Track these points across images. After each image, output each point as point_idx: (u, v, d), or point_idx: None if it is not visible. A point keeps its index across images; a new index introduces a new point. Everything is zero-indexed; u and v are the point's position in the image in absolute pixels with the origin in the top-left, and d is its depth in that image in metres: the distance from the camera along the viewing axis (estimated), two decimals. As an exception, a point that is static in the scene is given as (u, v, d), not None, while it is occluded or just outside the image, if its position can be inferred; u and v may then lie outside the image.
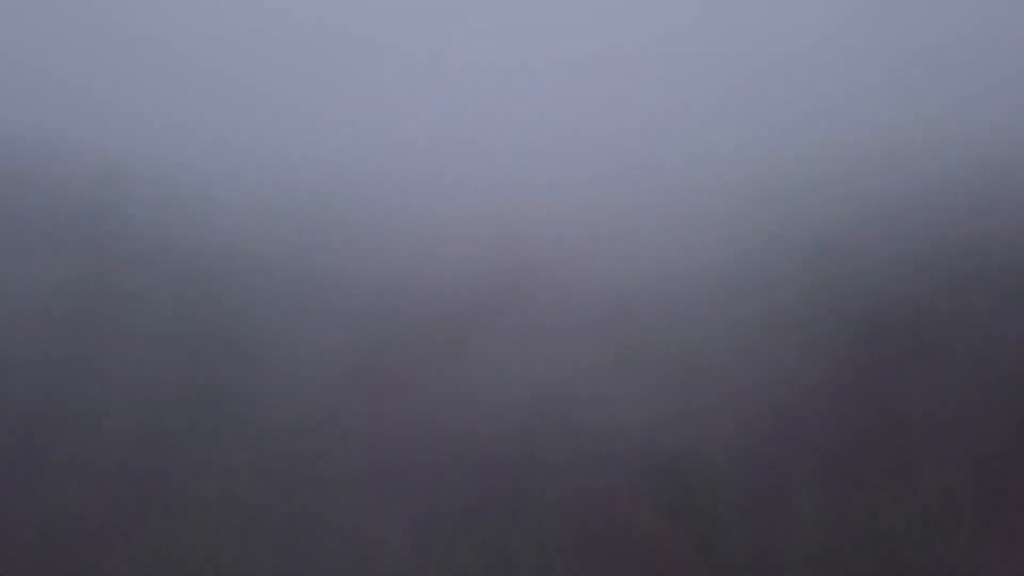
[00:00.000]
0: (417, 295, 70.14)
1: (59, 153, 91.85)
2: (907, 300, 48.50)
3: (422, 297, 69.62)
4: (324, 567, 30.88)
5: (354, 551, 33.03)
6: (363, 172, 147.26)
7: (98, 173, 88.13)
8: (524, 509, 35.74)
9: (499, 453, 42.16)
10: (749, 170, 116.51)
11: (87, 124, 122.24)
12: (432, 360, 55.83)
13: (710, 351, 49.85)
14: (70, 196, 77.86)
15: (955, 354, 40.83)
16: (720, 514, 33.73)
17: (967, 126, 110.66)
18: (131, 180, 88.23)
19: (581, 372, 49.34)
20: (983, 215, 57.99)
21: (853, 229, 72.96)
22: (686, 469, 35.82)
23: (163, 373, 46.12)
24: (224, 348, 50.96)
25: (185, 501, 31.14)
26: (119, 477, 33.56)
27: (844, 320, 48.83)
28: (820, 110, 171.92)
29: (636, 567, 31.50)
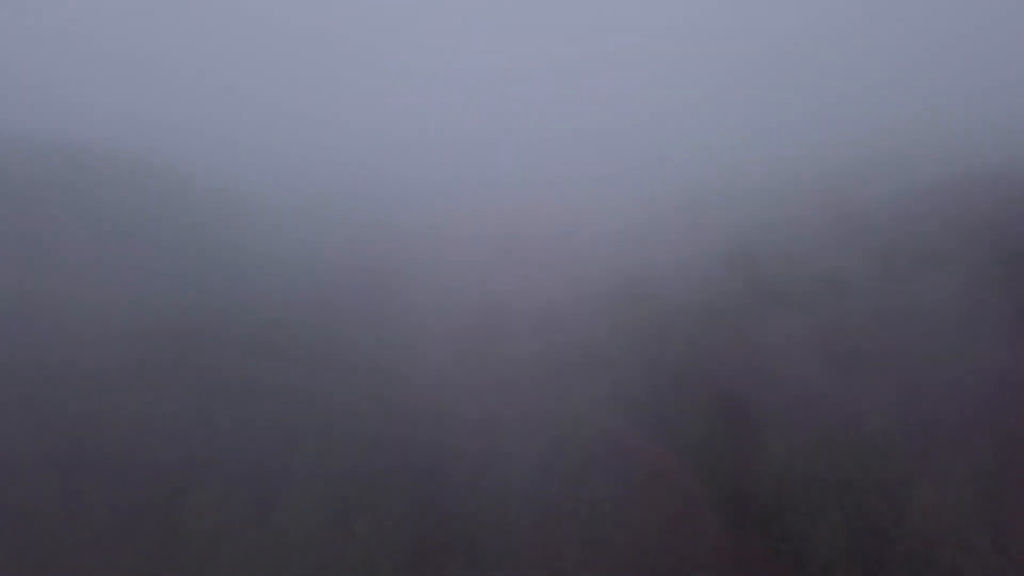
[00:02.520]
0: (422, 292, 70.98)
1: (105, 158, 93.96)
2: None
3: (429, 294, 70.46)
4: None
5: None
6: (368, 172, 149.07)
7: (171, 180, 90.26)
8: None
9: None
10: (747, 169, 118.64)
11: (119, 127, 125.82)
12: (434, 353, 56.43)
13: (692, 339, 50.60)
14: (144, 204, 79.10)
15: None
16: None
17: (967, 127, 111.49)
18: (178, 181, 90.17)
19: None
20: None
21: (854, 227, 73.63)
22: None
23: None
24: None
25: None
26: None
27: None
28: (818, 110, 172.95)
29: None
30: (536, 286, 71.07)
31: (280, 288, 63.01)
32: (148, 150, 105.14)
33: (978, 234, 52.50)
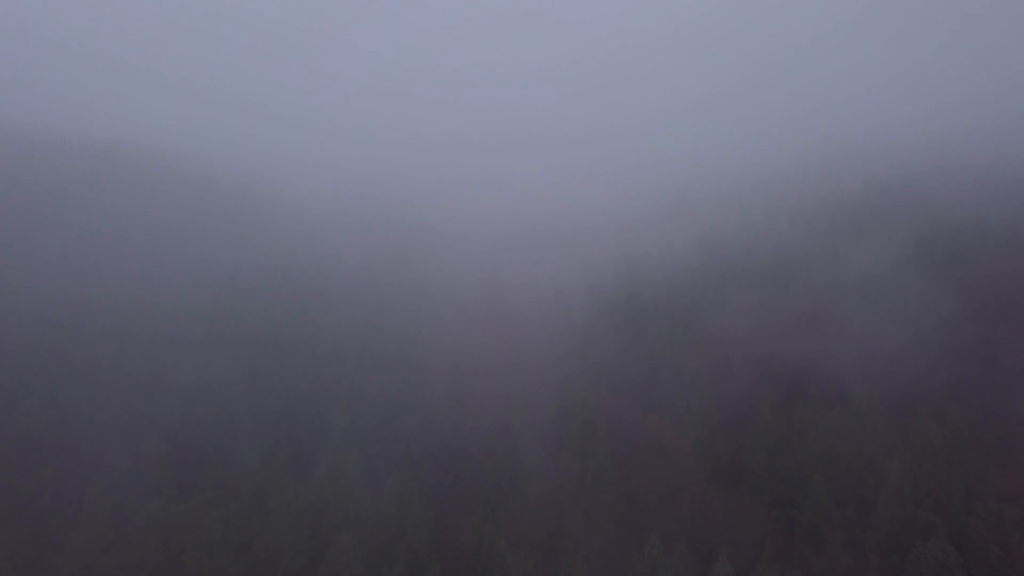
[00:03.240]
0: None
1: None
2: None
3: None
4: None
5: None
6: (374, 172, 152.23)
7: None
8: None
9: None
10: (724, 168, 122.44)
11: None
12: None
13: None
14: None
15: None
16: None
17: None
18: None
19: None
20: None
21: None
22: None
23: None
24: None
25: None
26: None
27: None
28: (791, 119, 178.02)
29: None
30: (538, 269, 75.00)
31: (309, 271, 66.68)
32: (175, 150, 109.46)
33: (908, 221, 58.40)
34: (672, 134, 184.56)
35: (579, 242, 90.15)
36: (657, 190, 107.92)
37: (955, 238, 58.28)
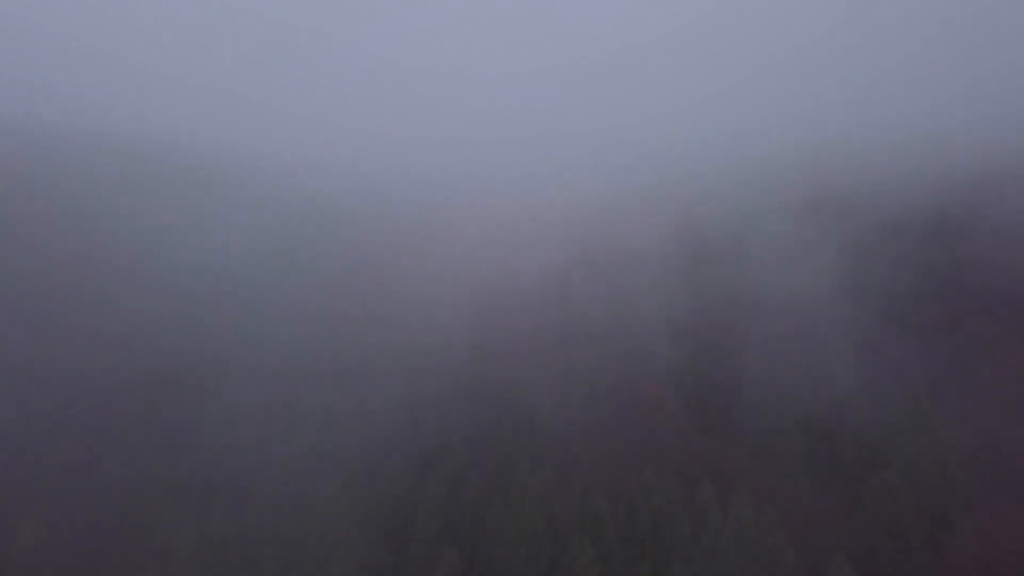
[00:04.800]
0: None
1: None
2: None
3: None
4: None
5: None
6: (378, 173, 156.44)
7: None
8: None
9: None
10: (702, 165, 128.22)
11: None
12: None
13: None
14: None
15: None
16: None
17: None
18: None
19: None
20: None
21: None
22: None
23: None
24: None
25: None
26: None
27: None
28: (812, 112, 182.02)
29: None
30: (534, 257, 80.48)
31: (328, 255, 72.08)
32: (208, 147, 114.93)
33: (859, 209, 65.30)
34: (672, 134, 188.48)
35: (569, 228, 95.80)
36: (642, 184, 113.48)
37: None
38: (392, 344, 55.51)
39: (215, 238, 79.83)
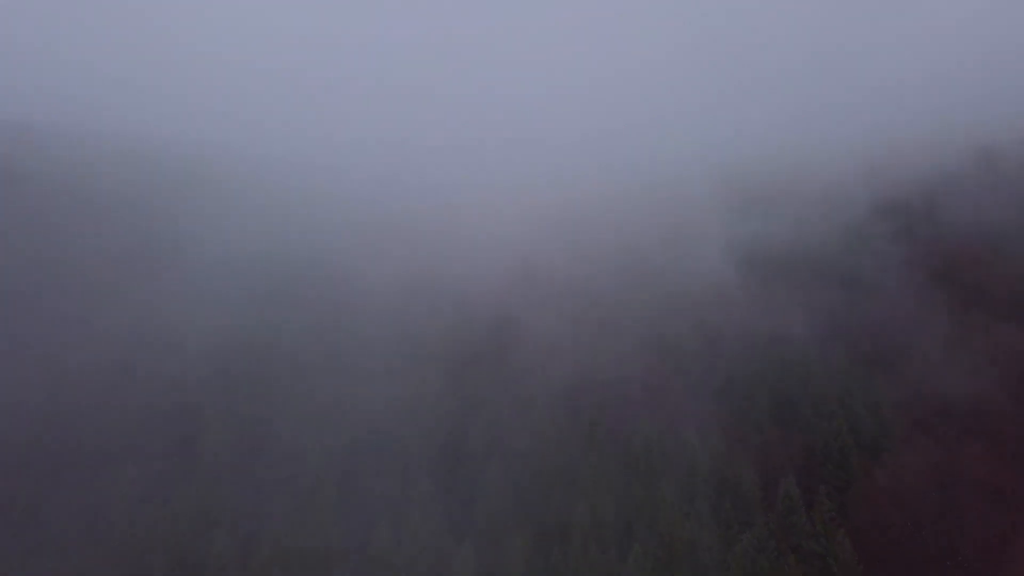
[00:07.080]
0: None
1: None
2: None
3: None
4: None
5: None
6: (380, 174, 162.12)
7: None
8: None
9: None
10: (741, 167, 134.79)
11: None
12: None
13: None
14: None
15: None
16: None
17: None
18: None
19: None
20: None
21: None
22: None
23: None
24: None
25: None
26: None
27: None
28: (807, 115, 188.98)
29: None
30: (552, 253, 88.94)
31: (356, 244, 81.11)
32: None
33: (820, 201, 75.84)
34: (672, 135, 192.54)
35: (571, 228, 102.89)
36: (629, 184, 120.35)
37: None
38: (392, 344, 64.08)
39: (226, 237, 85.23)
